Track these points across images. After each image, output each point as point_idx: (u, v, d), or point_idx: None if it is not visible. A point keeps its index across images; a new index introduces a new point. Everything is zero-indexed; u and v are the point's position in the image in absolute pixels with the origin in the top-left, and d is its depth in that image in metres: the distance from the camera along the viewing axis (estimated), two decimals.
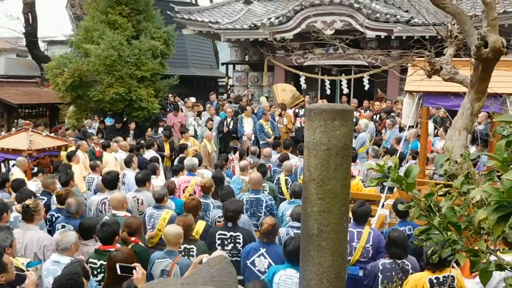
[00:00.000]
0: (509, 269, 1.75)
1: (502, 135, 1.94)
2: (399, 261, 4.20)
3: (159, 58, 13.21)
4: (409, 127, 7.63)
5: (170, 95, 14.80)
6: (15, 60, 24.43)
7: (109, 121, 13.30)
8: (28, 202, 4.81)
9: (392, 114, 12.11)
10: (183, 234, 4.27)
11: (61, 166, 7.49)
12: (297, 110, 13.06)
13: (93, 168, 7.71)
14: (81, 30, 13.35)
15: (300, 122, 12.19)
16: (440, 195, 1.96)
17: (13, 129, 11.82)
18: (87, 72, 12.49)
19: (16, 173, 7.36)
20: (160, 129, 12.32)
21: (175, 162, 8.44)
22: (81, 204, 5.22)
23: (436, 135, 10.20)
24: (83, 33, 13.14)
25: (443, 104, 6.57)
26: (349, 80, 15.13)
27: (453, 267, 3.90)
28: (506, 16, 10.95)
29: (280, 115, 12.49)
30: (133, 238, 4.50)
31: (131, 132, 12.49)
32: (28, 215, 4.73)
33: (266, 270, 4.30)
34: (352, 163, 6.90)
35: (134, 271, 3.34)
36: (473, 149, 7.84)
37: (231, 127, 12.09)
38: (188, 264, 4.02)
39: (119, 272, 3.47)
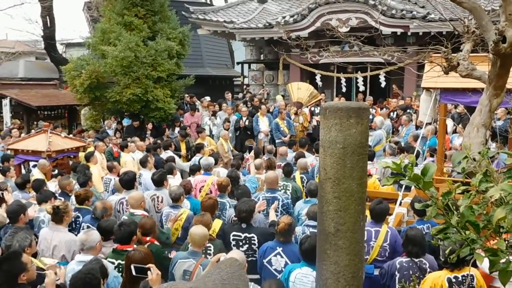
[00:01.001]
0: None
1: None
2: (416, 260, 4.16)
3: (175, 59, 13.29)
4: (427, 124, 7.55)
5: (187, 95, 14.88)
6: (34, 63, 24.81)
7: (126, 122, 13.43)
8: (58, 203, 4.91)
9: (408, 111, 11.99)
10: (208, 236, 4.29)
11: (79, 167, 7.59)
12: (313, 108, 13.01)
13: (110, 169, 7.78)
14: (98, 32, 13.49)
15: (317, 121, 12.14)
16: (458, 194, 1.93)
17: (33, 131, 12.01)
18: (104, 73, 12.61)
19: (36, 174, 7.48)
20: (177, 129, 12.40)
21: (192, 162, 8.49)
22: (108, 208, 5.25)
23: (454, 131, 10.07)
24: (100, 35, 13.28)
25: (461, 100, 6.48)
26: (365, 78, 15.01)
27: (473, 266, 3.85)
28: None
29: (296, 113, 12.45)
30: (148, 238, 4.53)
31: (148, 132, 12.59)
32: (58, 216, 4.79)
33: (283, 269, 4.30)
34: (369, 162, 6.85)
35: (148, 272, 3.37)
36: (493, 146, 7.71)
37: (246, 126, 12.12)
38: None
39: (134, 273, 3.50)
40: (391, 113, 12.43)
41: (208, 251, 4.47)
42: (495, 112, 3.40)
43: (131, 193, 5.79)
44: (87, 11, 21.35)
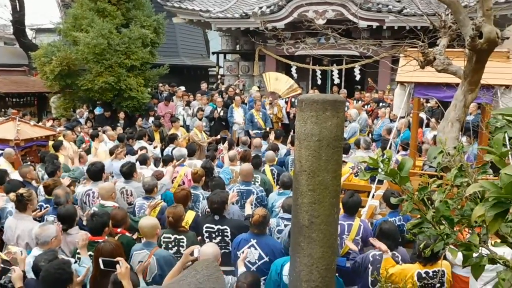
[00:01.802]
0: (502, 263, 1.72)
1: (495, 127, 1.91)
2: (389, 253, 4.19)
3: (149, 47, 13.08)
4: (400, 117, 7.63)
5: (161, 84, 14.67)
6: (2, 48, 24.08)
7: (98, 111, 13.17)
8: (21, 191, 4.78)
9: (381, 104, 12.14)
10: (158, 224, 4.24)
11: (47, 157, 7.38)
12: (293, 100, 13.00)
13: (78, 158, 7.54)
14: (70, 18, 13.14)
15: (294, 113, 12.15)
16: (434, 188, 1.93)
17: (0, 118, 11.65)
18: (76, 60, 12.34)
19: (3, 164, 7.24)
20: (151, 119, 12.24)
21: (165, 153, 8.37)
22: (70, 193, 5.13)
23: (427, 125, 10.23)
24: (72, 21, 12.95)
25: (435, 95, 6.56)
26: (340, 70, 15.09)
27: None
28: (497, 7, 10.94)
29: (270, 103, 12.43)
30: (119, 230, 4.45)
31: (121, 121, 12.37)
32: (21, 204, 4.71)
33: (257, 261, 4.27)
34: (344, 155, 6.89)
35: (117, 265, 3.28)
36: (464, 140, 7.86)
37: (221, 117, 12.06)
38: (165, 256, 4.01)
39: (102, 267, 3.41)
40: (365, 106, 12.56)
41: (181, 243, 4.41)
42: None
43: (98, 184, 5.66)
44: None
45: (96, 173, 5.90)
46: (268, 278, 4.05)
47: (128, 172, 6.03)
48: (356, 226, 4.76)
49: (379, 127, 10.47)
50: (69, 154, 7.73)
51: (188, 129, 11.72)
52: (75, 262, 3.96)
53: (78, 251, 4.11)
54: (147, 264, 3.87)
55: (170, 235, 4.43)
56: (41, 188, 5.89)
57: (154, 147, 9.54)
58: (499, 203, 1.28)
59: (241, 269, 4.01)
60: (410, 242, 4.22)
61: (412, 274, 3.83)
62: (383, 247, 4.09)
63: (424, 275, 3.84)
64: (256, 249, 4.30)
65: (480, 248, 1.74)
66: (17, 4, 20.88)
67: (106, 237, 4.14)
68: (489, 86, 5.76)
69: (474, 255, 1.75)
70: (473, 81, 2.77)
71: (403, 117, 7.85)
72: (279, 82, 13.29)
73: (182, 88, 14.31)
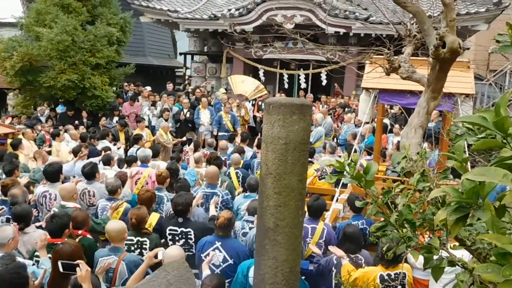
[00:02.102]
0: (460, 265, 1.77)
1: (456, 134, 1.97)
2: (352, 256, 4.26)
3: (115, 45, 12.86)
4: (365, 123, 7.77)
5: (126, 83, 14.45)
6: None
7: (60, 109, 12.83)
8: None
9: (348, 109, 12.35)
10: (126, 229, 4.14)
11: (6, 155, 7.11)
12: (260, 103, 13.04)
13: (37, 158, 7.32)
14: (32, 12, 12.77)
15: (261, 116, 12.20)
16: (397, 192, 1.97)
17: None
18: (38, 56, 12.00)
19: None
20: (115, 119, 12.01)
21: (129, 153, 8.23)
22: (27, 193, 4.96)
23: (391, 131, 10.46)
24: (35, 15, 12.58)
25: (398, 101, 6.72)
26: (307, 75, 15.26)
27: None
28: (459, 19, 11.32)
29: (238, 105, 12.43)
30: (80, 232, 4.33)
31: (84, 120, 12.09)
32: None
33: (221, 264, 4.25)
34: (309, 158, 6.95)
35: (77, 268, 3.19)
36: (425, 146, 8.07)
37: (187, 118, 11.98)
38: (135, 260, 3.91)
39: (61, 269, 3.30)
40: (330, 111, 12.74)
41: (144, 246, 4.35)
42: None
43: (55, 185, 5.49)
44: None
45: (53, 174, 5.67)
46: (235, 280, 4.04)
47: (90, 173, 5.88)
48: (319, 230, 4.80)
49: (344, 132, 10.63)
50: (29, 153, 7.49)
51: (153, 129, 11.57)
52: (33, 264, 3.82)
53: (36, 253, 3.98)
54: (107, 265, 3.78)
55: (132, 237, 4.35)
56: None
57: (118, 148, 9.36)
58: (461, 208, 1.32)
59: (206, 272, 3.98)
60: (373, 245, 4.31)
61: (374, 277, 3.91)
62: (340, 253, 4.16)
63: (386, 277, 3.92)
64: (220, 251, 4.28)
65: (440, 251, 1.79)
66: None
67: (65, 239, 4.02)
68: (451, 94, 5.95)
69: (435, 257, 1.80)
70: (436, 89, 2.85)
71: (367, 123, 8.00)
72: (245, 84, 13.32)
73: (148, 88, 14.12)
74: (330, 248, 4.32)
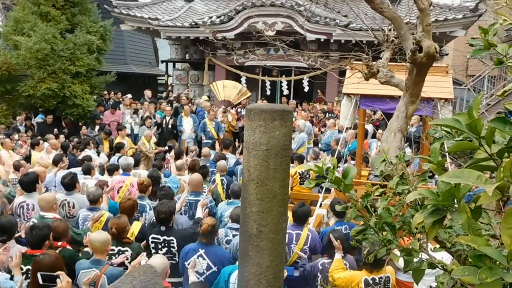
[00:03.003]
0: (440, 267, 1.79)
1: (434, 138, 2.00)
2: (340, 253, 4.27)
3: (95, 54, 12.75)
4: (347, 128, 7.83)
5: (106, 92, 14.32)
6: None
7: (40, 118, 12.64)
8: None
9: (330, 115, 12.43)
10: (110, 240, 4.08)
11: None
12: (239, 110, 13.05)
13: (17, 168, 7.15)
14: (10, 21, 12.61)
15: (243, 122, 12.19)
16: (376, 196, 1.98)
17: None
18: (17, 65, 11.83)
19: None
20: (97, 127, 11.89)
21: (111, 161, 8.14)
22: (6, 203, 4.85)
23: (373, 136, 10.55)
24: (13, 24, 12.42)
25: (379, 106, 6.79)
26: (289, 82, 15.34)
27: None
28: (436, 24, 11.53)
29: (224, 111, 12.41)
30: (59, 243, 4.25)
31: (65, 130, 11.93)
32: None
33: (205, 271, 4.23)
34: (291, 165, 6.98)
35: (57, 280, 3.12)
36: (408, 151, 8.17)
37: (169, 126, 11.93)
38: (116, 273, 3.84)
39: (40, 281, 3.23)
40: (313, 117, 12.81)
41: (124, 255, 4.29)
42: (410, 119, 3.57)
43: (32, 195, 5.40)
44: None
45: (29, 184, 5.57)
46: (215, 284, 4.01)
47: (69, 184, 5.78)
48: (304, 236, 4.81)
49: (327, 137, 10.69)
50: (9, 163, 7.35)
51: (136, 137, 11.48)
52: (11, 278, 3.74)
53: None
54: (95, 277, 3.71)
55: (113, 247, 4.28)
56: None
57: (102, 155, 9.27)
58: (437, 210, 1.33)
59: (192, 277, 3.95)
60: (353, 249, 4.32)
61: (359, 281, 3.92)
62: (337, 244, 4.18)
63: (370, 282, 3.93)
64: (204, 259, 4.25)
65: (420, 253, 1.80)
66: None
67: (45, 250, 3.94)
68: (430, 99, 6.04)
69: (415, 260, 1.81)
70: (414, 93, 2.89)
71: (349, 128, 8.06)
72: (228, 89, 13.31)
73: (129, 95, 14.02)
74: (331, 237, 4.30)
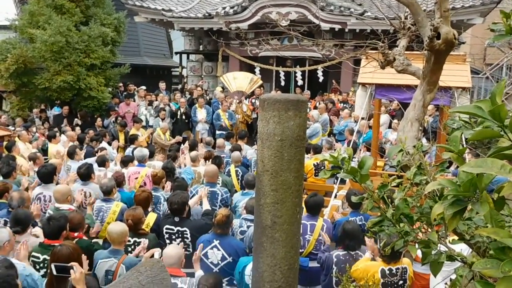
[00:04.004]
0: (459, 260, 1.75)
1: (452, 128, 1.94)
2: (352, 253, 4.25)
3: (110, 46, 12.80)
4: (362, 118, 7.76)
5: (121, 84, 14.40)
6: None
7: (57, 111, 12.76)
8: None
9: (345, 105, 12.34)
10: (128, 231, 4.11)
11: (3, 158, 7.07)
12: (253, 100, 13.01)
13: (33, 160, 7.23)
14: (26, 14, 12.70)
15: (257, 113, 12.16)
16: (393, 187, 1.94)
17: None
18: (33, 58, 11.93)
19: None
20: (112, 119, 11.99)
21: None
22: (25, 199, 4.89)
23: (389, 126, 10.44)
24: (28, 17, 12.51)
25: (395, 96, 6.70)
26: (303, 72, 15.22)
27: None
28: (454, 12, 11.30)
29: (239, 102, 12.39)
30: (76, 234, 4.29)
31: (78, 122, 12.03)
32: None
33: (220, 262, 4.24)
34: (306, 155, 6.94)
35: (71, 271, 3.14)
36: (424, 141, 8.06)
37: (184, 117, 11.97)
38: (135, 263, 3.86)
39: (54, 272, 3.25)
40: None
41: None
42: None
43: (49, 187, 5.45)
44: None
45: (47, 175, 5.66)
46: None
47: (85, 174, 5.85)
48: (319, 226, 4.78)
49: (343, 125, 10.59)
50: (25, 155, 7.44)
51: (151, 128, 11.54)
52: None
53: (32, 253, 3.94)
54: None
55: (129, 238, 4.31)
56: None
57: (114, 148, 9.32)
58: (458, 201, 1.28)
59: (198, 272, 3.95)
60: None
61: (375, 271, 3.88)
62: (372, 246, 4.13)
63: (387, 272, 3.90)
64: (219, 250, 4.26)
65: (439, 245, 1.75)
66: None
67: (63, 241, 3.98)
68: (447, 88, 5.93)
69: (433, 252, 1.77)
70: (431, 81, 2.82)
71: (364, 118, 7.98)
72: (239, 80, 13.24)
73: (144, 87, 14.08)
74: (367, 241, 4.26)
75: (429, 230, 1.83)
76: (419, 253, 1.81)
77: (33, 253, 3.94)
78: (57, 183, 5.75)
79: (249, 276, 3.84)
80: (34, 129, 10.44)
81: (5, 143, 8.37)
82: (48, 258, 3.72)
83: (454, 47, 2.77)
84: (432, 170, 1.95)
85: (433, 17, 2.71)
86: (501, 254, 1.17)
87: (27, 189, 5.72)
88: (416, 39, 3.40)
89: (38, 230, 4.40)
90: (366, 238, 4.25)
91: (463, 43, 15.48)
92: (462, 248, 2.38)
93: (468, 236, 1.69)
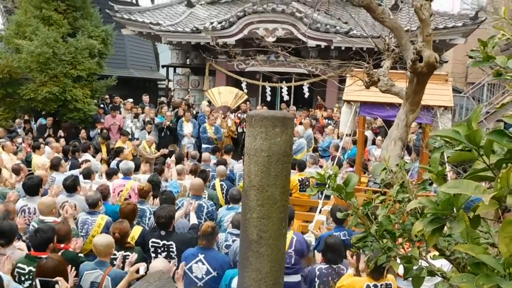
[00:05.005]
0: (439, 275, 1.81)
1: (434, 147, 2.03)
2: (335, 266, 4.30)
3: (97, 58, 12.79)
4: (346, 135, 7.87)
5: (107, 96, 14.37)
6: None
7: (43, 122, 12.67)
8: None
9: (329, 121, 12.48)
10: (115, 243, 4.11)
11: None
12: (239, 115, 13.08)
13: (17, 171, 7.14)
14: (13, 24, 12.66)
15: (243, 128, 12.22)
16: (377, 203, 2.01)
17: None
18: (18, 69, 11.86)
19: None
20: (97, 130, 11.94)
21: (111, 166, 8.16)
22: (11, 212, 4.85)
23: (373, 143, 10.58)
24: (15, 27, 12.47)
25: (379, 114, 6.83)
26: (289, 88, 15.37)
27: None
28: (436, 33, 11.59)
29: (224, 117, 12.44)
30: (62, 245, 4.27)
31: (61, 134, 11.94)
32: None
33: (204, 276, 4.25)
34: (292, 171, 7.00)
35: (56, 285, 3.14)
36: (407, 158, 8.20)
37: (168, 133, 11.99)
38: (120, 275, 3.87)
39: (39, 287, 3.24)
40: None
41: (127, 260, 4.30)
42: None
43: (34, 199, 5.42)
44: (1, 1, 19.92)
45: (33, 187, 5.62)
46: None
47: (71, 186, 5.82)
48: (288, 239, 4.76)
49: (327, 142, 10.72)
50: (9, 166, 7.36)
51: (136, 141, 11.50)
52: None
53: (18, 264, 3.90)
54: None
55: (115, 252, 4.31)
56: None
57: (101, 160, 9.28)
58: (436, 219, 1.36)
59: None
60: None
61: (361, 287, 3.93)
62: (353, 262, 4.17)
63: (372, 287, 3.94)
64: (203, 264, 4.27)
65: (420, 260, 1.82)
66: None
67: (49, 253, 3.96)
68: (429, 107, 6.08)
69: (414, 267, 1.83)
70: (414, 101, 2.92)
71: (349, 135, 8.10)
72: (224, 95, 13.31)
73: (130, 100, 14.07)
74: (348, 255, 4.29)
75: (411, 246, 1.90)
76: (401, 268, 1.88)
77: (19, 264, 3.91)
78: (42, 195, 5.71)
79: None
80: (19, 139, 10.34)
81: None
82: (34, 270, 3.70)
83: (436, 68, 2.88)
84: (415, 188, 2.03)
85: (416, 40, 2.82)
86: (476, 269, 1.24)
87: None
88: (400, 60, 3.52)
89: (22, 245, 4.37)
90: (347, 254, 4.31)
91: (446, 62, 15.82)
92: (442, 264, 2.46)
93: (448, 252, 1.76)
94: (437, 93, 6.30)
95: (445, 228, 1.52)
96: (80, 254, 4.64)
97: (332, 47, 13.98)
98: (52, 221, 4.79)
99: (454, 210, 1.33)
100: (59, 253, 4.05)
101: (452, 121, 6.95)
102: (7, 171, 7.34)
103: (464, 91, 16.70)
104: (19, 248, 4.28)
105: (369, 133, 10.78)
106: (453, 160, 1.42)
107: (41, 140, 10.00)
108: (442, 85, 6.71)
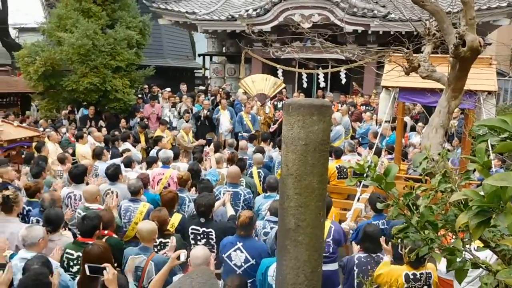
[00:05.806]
0: (484, 268, 1.76)
1: (478, 135, 1.96)
2: (374, 255, 4.25)
3: (135, 48, 13.02)
4: (385, 121, 7.72)
5: (146, 85, 14.62)
6: None
7: (85, 112, 13.05)
8: (7, 192, 4.67)
9: (367, 107, 12.27)
10: (157, 230, 4.21)
11: (35, 158, 7.27)
12: (275, 103, 13.04)
13: (62, 160, 7.43)
14: (54, 17, 13.01)
15: (279, 115, 12.20)
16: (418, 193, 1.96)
17: None
18: (60, 61, 12.20)
19: None
20: (137, 119, 12.20)
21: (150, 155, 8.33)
22: (56, 200, 5.06)
23: (412, 129, 10.35)
24: (56, 20, 12.81)
25: (419, 100, 6.66)
26: (326, 74, 15.19)
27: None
28: (479, 14, 11.14)
29: (262, 105, 12.43)
30: (106, 232, 4.42)
31: (104, 123, 12.27)
32: (7, 206, 4.60)
33: (243, 264, 4.29)
34: (330, 158, 6.95)
35: (104, 271, 3.24)
36: (447, 146, 7.98)
37: (206, 122, 12.07)
38: (163, 261, 3.96)
39: (88, 273, 3.36)
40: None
41: (167, 246, 4.40)
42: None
43: (80, 187, 5.61)
44: None
45: (78, 175, 5.83)
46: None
47: (113, 174, 6.00)
48: (326, 228, 4.74)
49: (363, 129, 10.56)
50: (54, 156, 7.64)
51: (174, 130, 11.68)
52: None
53: (67, 250, 4.08)
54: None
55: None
56: (23, 190, 5.81)
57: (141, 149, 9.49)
58: (482, 212, 1.31)
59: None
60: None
61: (399, 275, 3.88)
62: (388, 248, 4.13)
63: (411, 277, 3.89)
64: (242, 252, 4.31)
65: (464, 252, 1.77)
66: (0, 2, 20.57)
67: (95, 240, 4.10)
68: (472, 92, 5.87)
69: (458, 259, 1.78)
70: (457, 88, 2.82)
71: (388, 122, 7.94)
72: (258, 83, 13.22)
73: (168, 89, 14.27)
74: (382, 242, 4.26)
75: (454, 237, 1.85)
76: (442, 260, 1.83)
77: (67, 250, 4.08)
78: (87, 183, 5.91)
79: (272, 277, 3.89)
80: (63, 130, 10.69)
81: (34, 143, 8.62)
82: (81, 255, 3.84)
83: (480, 54, 2.77)
84: (458, 177, 1.97)
85: (458, 23, 2.72)
86: None
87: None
88: (441, 45, 3.40)
89: (68, 233, 4.55)
90: (382, 242, 4.25)
91: (489, 44, 15.20)
92: (487, 256, 2.39)
93: (494, 243, 1.71)
94: (480, 77, 6.07)
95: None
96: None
97: (370, 32, 13.68)
98: (97, 208, 4.96)
99: (501, 203, 1.29)
100: (103, 239, 4.19)
101: (497, 106, 6.69)
102: (52, 160, 7.62)
103: (509, 74, 16.02)
104: (66, 236, 4.47)
105: (408, 120, 10.54)
106: (499, 151, 1.36)
107: (84, 130, 10.30)
108: (485, 68, 6.45)
